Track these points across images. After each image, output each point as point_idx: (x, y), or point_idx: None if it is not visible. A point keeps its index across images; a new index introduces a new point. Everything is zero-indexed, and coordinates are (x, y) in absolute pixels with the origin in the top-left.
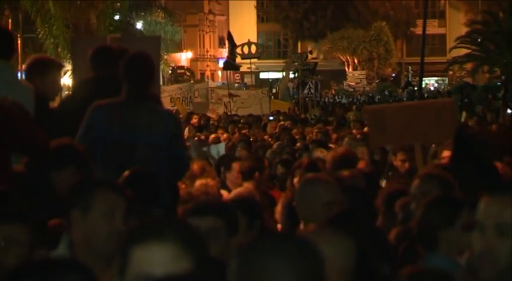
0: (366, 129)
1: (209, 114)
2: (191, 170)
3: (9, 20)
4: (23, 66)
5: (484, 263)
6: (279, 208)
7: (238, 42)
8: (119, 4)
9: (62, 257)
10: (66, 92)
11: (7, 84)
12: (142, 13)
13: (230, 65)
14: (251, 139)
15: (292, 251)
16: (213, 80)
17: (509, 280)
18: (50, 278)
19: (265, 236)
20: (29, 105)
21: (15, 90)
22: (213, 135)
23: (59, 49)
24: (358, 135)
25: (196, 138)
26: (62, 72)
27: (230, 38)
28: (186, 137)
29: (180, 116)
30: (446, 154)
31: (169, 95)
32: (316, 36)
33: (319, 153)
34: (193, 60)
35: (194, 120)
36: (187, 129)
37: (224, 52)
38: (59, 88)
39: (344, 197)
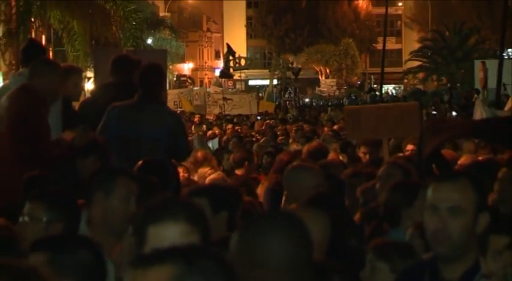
0: (335, 127)
1: (207, 116)
2: (196, 157)
3: (43, 36)
4: None
5: (440, 240)
6: (260, 191)
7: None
8: (132, 24)
9: (74, 234)
10: (87, 95)
11: None
12: (152, 31)
13: (225, 73)
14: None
15: (288, 226)
16: (209, 86)
17: (461, 253)
18: (63, 251)
19: (263, 214)
20: (57, 105)
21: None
22: (209, 132)
23: (81, 60)
24: (330, 132)
25: (200, 133)
26: (85, 78)
27: (229, 48)
28: (193, 132)
29: (187, 111)
30: (409, 147)
31: (172, 99)
32: (295, 50)
33: (295, 146)
34: (193, 70)
35: (196, 119)
36: (193, 127)
37: (219, 63)
38: (80, 91)
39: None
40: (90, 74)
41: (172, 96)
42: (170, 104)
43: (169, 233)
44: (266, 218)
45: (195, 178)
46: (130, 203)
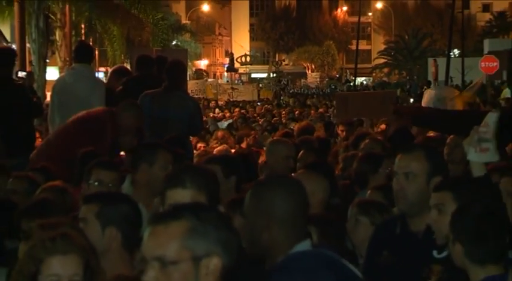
0: (321, 110)
1: (219, 102)
2: (217, 136)
3: (90, 38)
4: (99, 69)
5: (399, 199)
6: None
7: (237, 54)
8: (160, 29)
9: (118, 192)
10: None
11: (89, 79)
12: (176, 34)
13: (231, 68)
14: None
15: (289, 186)
16: (220, 78)
17: (418, 210)
18: (108, 204)
19: (272, 177)
20: (102, 92)
21: (95, 83)
22: (220, 114)
23: (118, 58)
24: (316, 114)
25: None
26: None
27: (231, 56)
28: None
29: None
30: (382, 126)
31: (190, 88)
32: (288, 50)
33: (292, 125)
34: (208, 66)
35: (212, 104)
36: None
37: (228, 60)
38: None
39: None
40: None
41: (191, 86)
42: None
43: (180, 197)
44: (274, 179)
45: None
46: (168, 170)
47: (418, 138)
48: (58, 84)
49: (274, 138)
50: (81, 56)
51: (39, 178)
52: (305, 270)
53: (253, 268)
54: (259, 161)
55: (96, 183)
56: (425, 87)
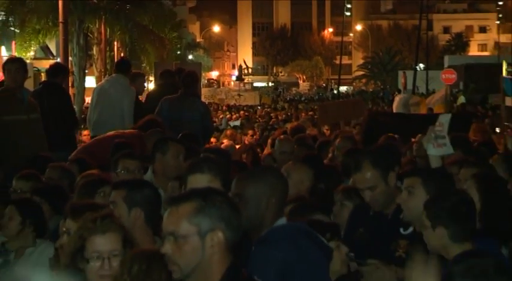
0: (310, 113)
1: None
2: (226, 134)
3: (121, 53)
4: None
5: (372, 203)
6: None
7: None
8: (179, 46)
9: (142, 179)
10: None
11: (122, 86)
12: (192, 50)
13: (238, 78)
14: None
15: (268, 175)
16: (229, 86)
17: (385, 204)
18: (135, 189)
19: (255, 168)
20: (132, 98)
21: (126, 90)
22: (228, 116)
23: (147, 69)
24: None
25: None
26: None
27: (240, 67)
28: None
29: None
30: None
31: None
32: (284, 64)
33: (287, 125)
34: (218, 76)
35: (224, 107)
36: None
37: (235, 72)
38: (143, 88)
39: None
40: (151, 78)
41: (204, 93)
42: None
43: (198, 181)
44: (256, 170)
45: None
46: (179, 159)
47: (381, 139)
48: (98, 88)
49: (282, 137)
50: (119, 67)
51: (74, 168)
52: (287, 238)
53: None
54: (264, 153)
55: (122, 171)
56: (396, 92)
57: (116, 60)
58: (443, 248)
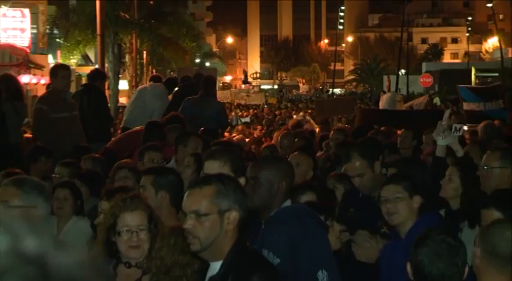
0: (308, 111)
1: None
2: (237, 129)
3: (149, 60)
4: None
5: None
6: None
7: (250, 72)
8: (198, 54)
9: (167, 166)
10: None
11: (161, 93)
12: (209, 58)
13: (244, 82)
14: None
15: (276, 161)
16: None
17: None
18: (162, 174)
19: (268, 156)
20: (165, 101)
21: (162, 94)
22: (240, 113)
23: (168, 74)
24: (304, 114)
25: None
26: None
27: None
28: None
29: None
30: (339, 125)
31: (218, 96)
32: (286, 69)
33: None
34: (231, 80)
35: (235, 105)
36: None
37: (243, 76)
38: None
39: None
40: None
41: (219, 94)
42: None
43: (212, 166)
44: (269, 157)
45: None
46: (198, 151)
47: (372, 132)
48: (140, 89)
49: (284, 132)
50: (155, 79)
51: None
52: (295, 217)
53: (253, 218)
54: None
55: (148, 161)
56: (381, 93)
57: (144, 66)
58: (410, 217)
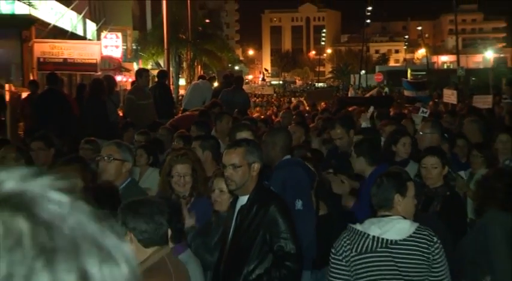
0: (302, 98)
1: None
2: (256, 110)
3: (199, 66)
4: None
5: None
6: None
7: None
8: (230, 61)
9: (209, 134)
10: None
11: (208, 86)
12: (237, 64)
13: (264, 79)
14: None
15: (283, 131)
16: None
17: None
18: (206, 140)
19: (274, 128)
20: (210, 93)
21: (210, 88)
22: (258, 100)
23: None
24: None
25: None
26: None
27: (263, 74)
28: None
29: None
30: (323, 106)
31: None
32: (287, 71)
33: (292, 104)
34: (252, 79)
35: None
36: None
37: (260, 76)
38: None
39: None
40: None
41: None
42: None
43: (241, 135)
44: (275, 129)
45: None
46: (228, 124)
47: (345, 111)
48: (193, 84)
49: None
50: (202, 77)
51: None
52: (294, 165)
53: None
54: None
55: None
56: (350, 86)
57: (195, 70)
58: (362, 170)
